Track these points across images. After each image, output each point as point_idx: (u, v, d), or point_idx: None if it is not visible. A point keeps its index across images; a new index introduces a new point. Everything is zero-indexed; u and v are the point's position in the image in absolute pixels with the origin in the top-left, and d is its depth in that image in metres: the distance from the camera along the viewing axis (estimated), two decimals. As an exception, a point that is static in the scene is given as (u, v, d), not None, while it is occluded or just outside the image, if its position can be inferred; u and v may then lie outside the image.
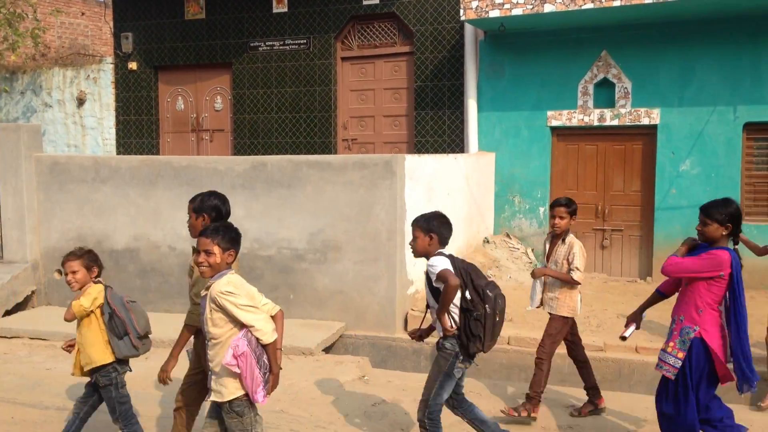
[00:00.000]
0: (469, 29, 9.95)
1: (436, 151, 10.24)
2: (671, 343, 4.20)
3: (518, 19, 8.83)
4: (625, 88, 9.19)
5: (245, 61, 11.44)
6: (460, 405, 4.35)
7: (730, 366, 4.13)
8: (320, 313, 7.45)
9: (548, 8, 8.46)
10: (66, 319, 4.40)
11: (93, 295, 4.30)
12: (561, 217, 5.12)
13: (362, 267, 7.37)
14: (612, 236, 9.54)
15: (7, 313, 8.07)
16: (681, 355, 4.15)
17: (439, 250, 4.15)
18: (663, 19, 8.80)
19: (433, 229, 4.14)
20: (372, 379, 6.01)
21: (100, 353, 4.31)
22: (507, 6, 8.69)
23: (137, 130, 12.07)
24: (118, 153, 11.98)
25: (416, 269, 7.50)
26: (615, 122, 9.26)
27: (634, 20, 8.84)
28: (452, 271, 4.01)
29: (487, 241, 9.60)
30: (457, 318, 4.10)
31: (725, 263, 4.05)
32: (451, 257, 4.15)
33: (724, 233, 4.11)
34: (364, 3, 10.65)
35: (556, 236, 5.25)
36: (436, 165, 8.42)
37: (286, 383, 5.47)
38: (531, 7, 8.55)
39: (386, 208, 7.34)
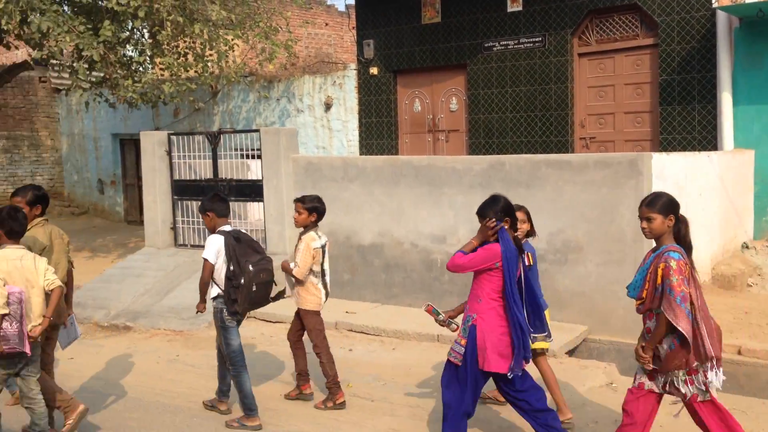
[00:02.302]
0: (722, 17, 9.24)
1: (684, 149, 9.63)
2: (459, 332, 4.51)
3: (784, 2, 8.04)
4: None
5: (480, 61, 11.60)
6: None
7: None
8: (561, 314, 7.35)
9: (822, -12, 7.60)
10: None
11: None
12: None
13: (605, 269, 7.16)
14: None
15: (271, 299, 8.93)
16: (464, 342, 4.41)
17: None
18: None
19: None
20: (620, 387, 5.83)
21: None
22: (771, -11, 7.95)
23: (378, 131, 12.75)
24: (361, 153, 12.73)
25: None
26: None
27: None
28: None
29: (747, 246, 8.86)
30: None
31: (497, 255, 4.31)
32: None
33: (506, 227, 4.38)
34: (605, -4, 10.32)
35: None
36: (686, 164, 7.94)
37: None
38: (800, -12, 7.74)
39: (632, 209, 7.04)
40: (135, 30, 11.48)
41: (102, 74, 10.90)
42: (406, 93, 12.62)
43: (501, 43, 11.39)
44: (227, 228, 5.45)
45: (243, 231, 5.62)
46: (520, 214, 5.10)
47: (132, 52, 11.87)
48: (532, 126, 11.19)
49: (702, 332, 3.87)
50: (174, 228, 10.51)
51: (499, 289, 4.35)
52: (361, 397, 5.91)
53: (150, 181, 10.57)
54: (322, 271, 5.77)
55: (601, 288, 7.21)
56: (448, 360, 4.53)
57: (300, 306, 5.83)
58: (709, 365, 3.89)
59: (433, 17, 12.05)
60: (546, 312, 5.10)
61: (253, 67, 13.77)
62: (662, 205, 3.98)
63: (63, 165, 19.03)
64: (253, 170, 9.90)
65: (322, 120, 13.27)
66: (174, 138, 10.48)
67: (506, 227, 4.40)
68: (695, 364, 3.89)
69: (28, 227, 5.05)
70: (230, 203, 10.11)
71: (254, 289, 5.24)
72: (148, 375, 6.70)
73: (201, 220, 10.10)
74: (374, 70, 12.69)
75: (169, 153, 10.42)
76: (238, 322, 5.44)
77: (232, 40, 11.35)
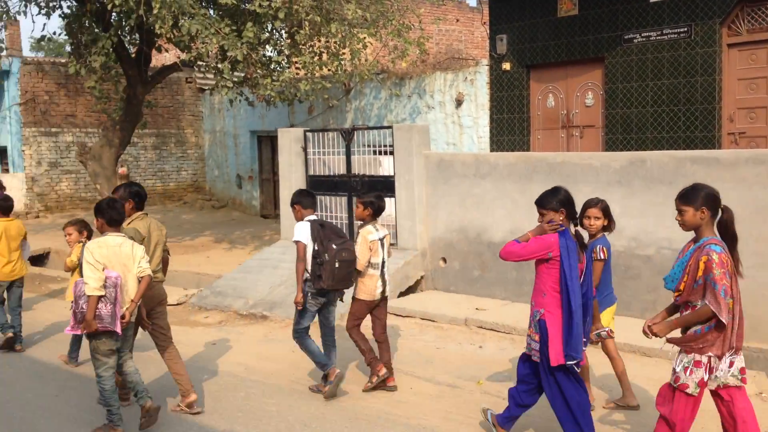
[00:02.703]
0: None
1: None
2: (530, 328, 4.59)
3: None
4: None
5: (618, 54, 11.15)
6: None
7: None
8: (705, 319, 6.94)
9: None
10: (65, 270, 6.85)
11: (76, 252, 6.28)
12: None
13: (757, 273, 6.69)
14: None
15: (401, 294, 9.05)
16: (537, 337, 4.51)
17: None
18: None
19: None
20: (771, 398, 5.45)
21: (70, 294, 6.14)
22: None
23: (509, 127, 12.56)
24: (491, 150, 12.60)
25: (825, 280, 6.57)
26: None
27: None
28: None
29: None
30: None
31: (552, 245, 4.39)
32: None
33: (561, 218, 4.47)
34: (759, -18, 9.63)
35: None
36: None
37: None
38: None
39: (788, 209, 6.57)
40: (274, 31, 11.93)
41: (243, 74, 11.40)
42: (539, 88, 12.35)
43: (642, 34, 10.90)
44: (312, 217, 6.00)
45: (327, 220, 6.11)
46: (594, 210, 5.24)
47: (271, 52, 12.36)
48: (675, 121, 10.64)
49: (734, 324, 3.96)
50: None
51: (558, 281, 4.45)
52: (493, 395, 5.85)
53: (286, 176, 10.96)
54: (382, 262, 6.02)
55: (752, 292, 6.74)
56: (524, 353, 4.72)
57: (355, 294, 6.09)
58: (729, 356, 3.97)
59: (569, 10, 11.71)
60: (611, 308, 5.40)
61: (385, 64, 13.96)
62: (695, 197, 4.01)
63: (205, 161, 20.13)
64: (385, 166, 10.03)
65: (452, 116, 13.25)
66: (309, 135, 10.81)
67: (561, 218, 4.50)
68: (719, 352, 3.95)
69: (130, 221, 5.58)
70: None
71: (337, 266, 5.74)
72: (284, 363, 6.95)
73: (336, 214, 10.38)
74: (507, 66, 12.51)
75: (305, 149, 10.76)
76: (322, 305, 5.99)
77: (366, 38, 11.55)
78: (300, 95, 11.28)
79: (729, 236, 4.03)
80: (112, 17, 11.81)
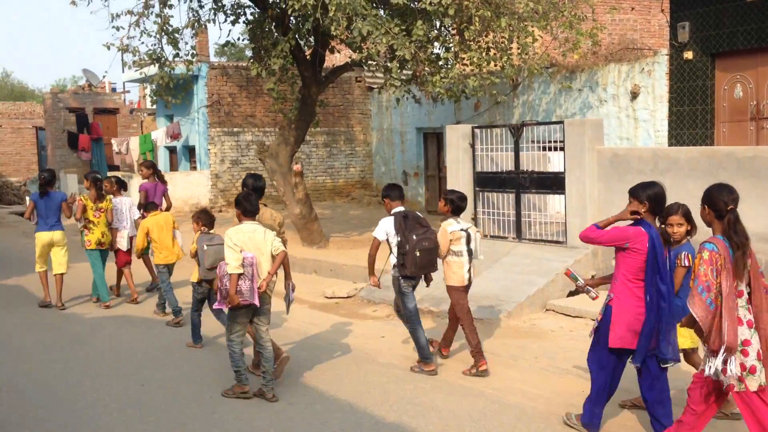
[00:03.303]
0: None
1: None
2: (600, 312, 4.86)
3: None
4: None
5: (820, 38, 10.10)
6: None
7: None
8: None
9: None
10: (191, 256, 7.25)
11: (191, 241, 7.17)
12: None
13: None
14: None
15: (570, 294, 8.78)
16: (599, 317, 4.83)
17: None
18: None
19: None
20: None
21: (194, 275, 7.23)
22: None
23: (690, 120, 11.79)
24: (670, 144, 11.89)
25: None
26: None
27: None
28: None
29: None
30: None
31: (631, 237, 4.59)
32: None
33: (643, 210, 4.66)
34: None
35: None
36: None
37: None
38: None
39: None
40: (443, 28, 11.99)
41: (411, 72, 11.56)
42: (725, 78, 11.47)
43: None
44: (399, 209, 6.52)
45: (412, 211, 6.68)
46: (676, 218, 5.19)
47: (439, 49, 12.43)
48: None
49: (723, 322, 3.95)
50: (475, 218, 10.80)
51: (634, 270, 4.64)
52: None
53: (453, 173, 10.99)
54: (469, 251, 6.53)
55: None
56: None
57: (446, 283, 6.64)
58: (724, 353, 3.95)
59: (760, -8, 10.78)
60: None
61: (555, 57, 13.58)
62: (704, 196, 4.29)
63: (372, 158, 20.67)
64: (554, 162, 9.77)
65: (627, 110, 12.64)
66: (477, 131, 10.76)
67: (643, 211, 4.67)
68: (714, 348, 3.99)
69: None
70: (530, 195, 10.14)
71: (418, 254, 6.27)
72: (451, 358, 6.97)
73: (503, 211, 10.26)
74: (689, 55, 11.73)
75: (472, 145, 10.73)
76: (413, 287, 6.55)
77: (536, 31, 11.30)
78: (468, 91, 11.26)
79: (736, 236, 4.07)
80: (291, 21, 12.41)
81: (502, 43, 11.33)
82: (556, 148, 9.80)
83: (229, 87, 18.73)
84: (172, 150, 20.71)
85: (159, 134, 19.54)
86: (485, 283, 9.13)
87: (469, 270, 6.53)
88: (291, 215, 12.88)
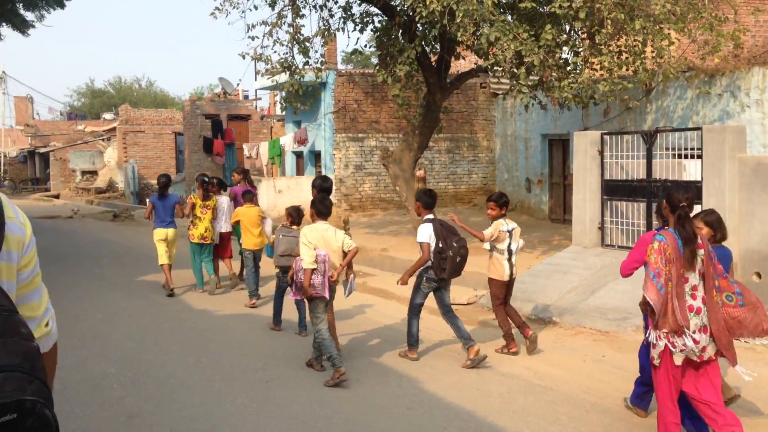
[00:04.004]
0: None
1: None
2: None
3: None
4: None
5: None
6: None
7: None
8: None
9: None
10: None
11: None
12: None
13: None
14: None
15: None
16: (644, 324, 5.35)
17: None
18: None
19: None
20: None
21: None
22: None
23: None
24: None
25: None
26: None
27: None
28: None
29: None
30: None
31: (642, 253, 4.62)
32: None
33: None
34: None
35: None
36: None
37: None
38: None
39: None
40: (573, 32, 11.67)
41: (538, 77, 11.34)
42: None
43: None
44: (431, 216, 7.04)
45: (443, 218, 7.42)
46: (697, 222, 5.12)
47: (568, 53, 12.11)
48: None
49: (674, 305, 4.40)
50: (602, 228, 10.44)
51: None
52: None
53: (580, 180, 10.67)
54: (509, 251, 7.29)
55: None
56: None
57: (488, 275, 7.48)
58: (676, 332, 4.43)
59: None
60: None
61: (692, 61, 12.91)
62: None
63: (495, 164, 20.46)
64: (690, 171, 9.28)
65: (772, 116, 11.82)
66: (606, 137, 10.40)
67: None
68: (667, 328, 4.44)
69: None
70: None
71: (458, 260, 6.87)
72: (574, 371, 6.77)
73: (632, 221, 9.87)
74: None
75: (601, 153, 10.38)
76: (434, 289, 7.04)
77: (672, 34, 10.78)
78: (598, 97, 10.91)
79: (683, 231, 4.47)
80: (417, 29, 12.51)
81: (635, 46, 10.89)
82: (692, 156, 9.30)
83: (355, 93, 19.12)
84: (299, 155, 21.39)
85: (287, 139, 20.25)
86: (612, 294, 8.80)
87: (511, 267, 7.35)
88: (413, 220, 12.95)
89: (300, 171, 21.43)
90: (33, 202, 33.71)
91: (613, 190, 10.28)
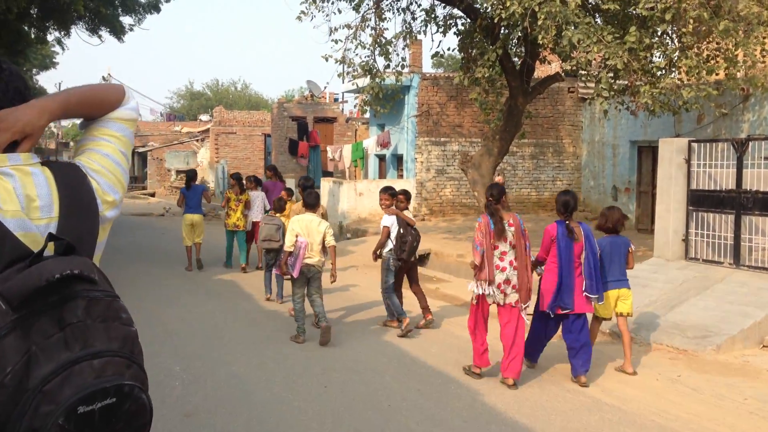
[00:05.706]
0: None
1: None
2: None
3: None
4: None
5: None
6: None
7: None
8: None
9: None
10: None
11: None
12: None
13: None
14: None
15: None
16: None
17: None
18: None
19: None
20: None
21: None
22: None
23: None
24: None
25: None
26: None
27: None
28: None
29: None
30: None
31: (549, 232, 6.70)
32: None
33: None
34: None
35: None
36: None
37: None
38: None
39: None
40: (663, 34, 11.15)
41: (625, 82, 10.90)
42: None
43: None
44: (392, 208, 8.57)
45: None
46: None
47: (657, 57, 11.59)
48: None
49: (487, 265, 6.43)
50: (686, 240, 9.94)
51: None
52: None
53: (664, 190, 10.20)
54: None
55: None
56: None
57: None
58: (488, 282, 6.49)
59: None
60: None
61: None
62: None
63: (581, 171, 19.87)
64: (784, 182, 8.70)
65: None
66: (694, 145, 9.89)
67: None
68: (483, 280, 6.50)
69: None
70: (753, 217, 9.13)
71: (415, 244, 8.45)
72: (644, 389, 6.44)
73: (719, 233, 9.34)
74: None
75: (688, 161, 9.88)
76: (397, 268, 8.47)
77: (766, 38, 10.12)
78: (683, 103, 10.37)
79: (492, 216, 6.56)
80: (500, 31, 12.28)
81: (727, 51, 10.28)
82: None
83: (438, 97, 18.99)
84: (381, 158, 21.46)
85: (370, 142, 20.34)
86: (693, 311, 8.35)
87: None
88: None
89: (382, 174, 21.49)
90: (129, 199, 35.30)
91: (700, 200, 9.77)
